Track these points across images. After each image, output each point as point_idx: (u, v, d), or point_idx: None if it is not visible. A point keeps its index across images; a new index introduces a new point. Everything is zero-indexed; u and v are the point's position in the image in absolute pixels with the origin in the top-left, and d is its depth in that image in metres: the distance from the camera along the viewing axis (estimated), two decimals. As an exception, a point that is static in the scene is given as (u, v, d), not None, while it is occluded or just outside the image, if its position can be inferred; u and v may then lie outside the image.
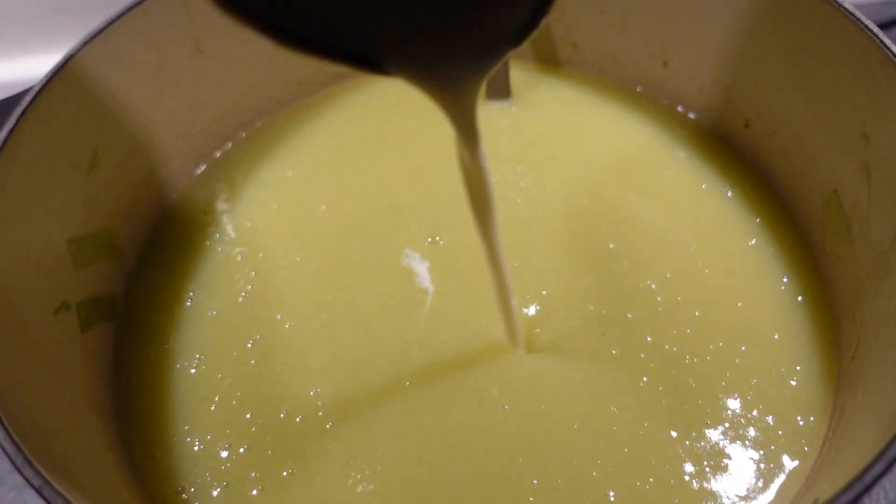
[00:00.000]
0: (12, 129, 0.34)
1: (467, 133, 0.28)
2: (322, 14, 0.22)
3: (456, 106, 0.27)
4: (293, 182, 0.46)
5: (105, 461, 0.33)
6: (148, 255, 0.43)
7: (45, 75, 0.37)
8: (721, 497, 0.33)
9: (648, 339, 0.38)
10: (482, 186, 0.30)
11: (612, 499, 0.33)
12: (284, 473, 0.34)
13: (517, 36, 0.25)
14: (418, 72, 0.26)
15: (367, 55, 0.24)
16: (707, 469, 0.34)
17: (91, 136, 0.39)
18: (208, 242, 0.44)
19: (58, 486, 0.24)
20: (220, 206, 0.45)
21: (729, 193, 0.44)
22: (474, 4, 0.23)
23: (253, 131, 0.49)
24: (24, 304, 0.33)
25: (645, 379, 0.36)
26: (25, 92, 0.36)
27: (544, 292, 0.40)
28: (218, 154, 0.48)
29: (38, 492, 0.24)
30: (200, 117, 0.46)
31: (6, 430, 0.25)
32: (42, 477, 0.24)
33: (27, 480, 0.24)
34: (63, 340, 0.36)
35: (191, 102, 0.45)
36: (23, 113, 0.35)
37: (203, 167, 0.47)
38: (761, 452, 0.34)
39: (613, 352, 0.37)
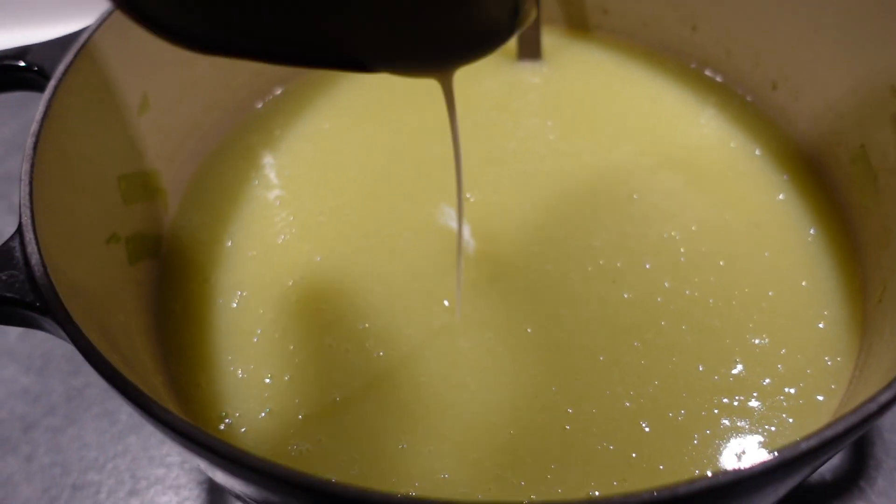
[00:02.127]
0: (70, 63, 0.36)
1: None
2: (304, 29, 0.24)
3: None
4: (329, 134, 0.47)
5: (155, 383, 0.35)
6: (190, 198, 0.45)
7: (100, 16, 0.38)
8: (751, 429, 0.34)
9: (666, 284, 0.39)
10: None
11: (646, 429, 0.34)
12: (329, 400, 0.35)
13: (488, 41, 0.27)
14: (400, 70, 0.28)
15: (350, 60, 0.26)
16: (737, 403, 0.35)
17: (142, 79, 0.41)
18: (247, 188, 0.45)
19: (128, 377, 0.25)
20: (259, 154, 0.47)
21: (757, 152, 0.45)
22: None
23: (291, 86, 0.50)
24: (83, 228, 0.34)
25: (663, 322, 0.37)
26: (83, 30, 0.37)
27: (560, 238, 0.41)
28: (258, 107, 0.49)
29: (109, 380, 0.25)
30: (242, 70, 0.47)
31: (76, 326, 0.27)
32: (112, 367, 0.25)
33: (96, 369, 0.25)
34: (114, 269, 0.37)
35: (233, 55, 0.47)
36: (80, 48, 0.36)
37: (243, 119, 0.48)
38: (790, 390, 0.35)
39: (625, 295, 0.38)
